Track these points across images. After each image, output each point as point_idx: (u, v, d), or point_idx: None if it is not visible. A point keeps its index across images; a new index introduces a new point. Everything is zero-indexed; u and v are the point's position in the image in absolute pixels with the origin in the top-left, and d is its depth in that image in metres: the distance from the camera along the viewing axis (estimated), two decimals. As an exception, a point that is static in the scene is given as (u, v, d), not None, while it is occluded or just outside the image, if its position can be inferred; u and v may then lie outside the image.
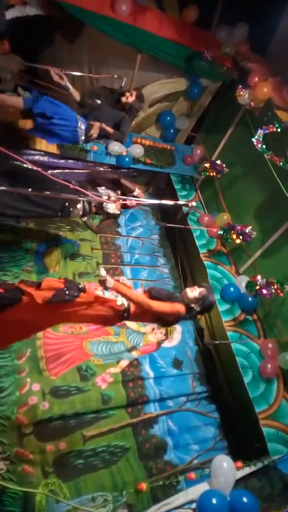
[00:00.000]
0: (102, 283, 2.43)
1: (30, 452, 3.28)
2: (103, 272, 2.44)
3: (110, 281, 2.43)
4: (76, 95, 3.94)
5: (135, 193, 4.06)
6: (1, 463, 3.13)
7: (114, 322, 2.67)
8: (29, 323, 2.54)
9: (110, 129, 3.92)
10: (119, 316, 2.56)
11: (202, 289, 2.67)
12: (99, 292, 2.61)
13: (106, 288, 2.42)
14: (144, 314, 2.59)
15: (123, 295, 2.49)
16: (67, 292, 2.38)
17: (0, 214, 3.44)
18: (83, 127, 3.78)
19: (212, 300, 2.72)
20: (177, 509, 2.94)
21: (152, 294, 2.59)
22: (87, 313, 2.50)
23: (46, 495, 3.03)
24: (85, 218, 4.09)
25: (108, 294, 2.59)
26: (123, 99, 4.13)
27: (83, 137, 3.80)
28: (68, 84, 3.83)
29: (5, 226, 4.43)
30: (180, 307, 2.58)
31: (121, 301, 2.55)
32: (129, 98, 4.06)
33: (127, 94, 4.11)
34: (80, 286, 2.51)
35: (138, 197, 3.99)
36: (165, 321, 2.66)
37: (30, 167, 3.31)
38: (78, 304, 2.44)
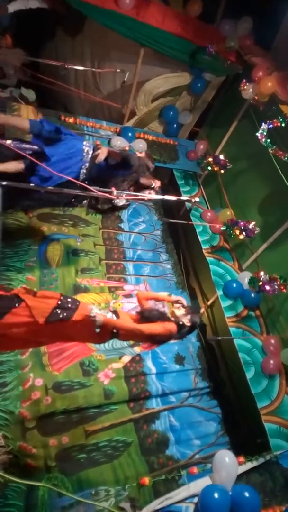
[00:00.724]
0: (93, 321, 2.50)
1: (33, 446, 3.30)
2: (92, 312, 2.51)
3: (100, 318, 2.51)
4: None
5: (154, 185, 3.92)
6: (4, 457, 3.15)
7: (104, 339, 2.70)
8: (28, 337, 2.58)
9: (117, 150, 3.74)
10: (109, 333, 2.61)
11: (187, 308, 2.91)
12: (91, 307, 2.69)
13: (97, 326, 2.51)
14: (136, 337, 2.70)
15: (115, 327, 2.59)
16: (61, 311, 2.48)
17: None
18: (89, 145, 3.64)
19: (197, 319, 2.89)
20: (179, 503, 2.95)
21: (144, 315, 2.72)
22: (79, 330, 2.57)
23: (49, 489, 3.05)
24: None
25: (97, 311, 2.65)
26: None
27: (90, 153, 3.52)
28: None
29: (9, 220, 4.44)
30: (171, 326, 2.71)
31: (111, 315, 2.64)
32: (138, 154, 3.86)
33: (136, 152, 3.98)
34: (75, 302, 2.58)
35: (153, 191, 3.87)
36: (156, 340, 2.76)
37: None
38: (73, 322, 2.52)
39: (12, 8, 4.35)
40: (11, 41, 4.75)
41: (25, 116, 4.58)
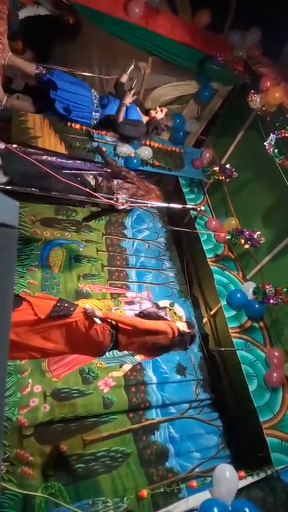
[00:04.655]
0: (92, 314, 2.56)
1: (30, 454, 3.25)
2: (88, 306, 2.64)
3: (98, 311, 2.59)
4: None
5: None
6: (1, 464, 3.10)
7: (105, 343, 2.67)
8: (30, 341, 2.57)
9: (121, 115, 3.80)
10: (108, 334, 2.62)
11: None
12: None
13: (95, 317, 2.57)
14: (135, 335, 2.65)
15: (114, 320, 2.66)
16: (62, 307, 2.57)
17: None
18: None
19: (194, 331, 3.00)
20: (177, 517, 2.89)
21: (143, 313, 2.85)
22: (83, 334, 2.57)
23: (46, 498, 3.00)
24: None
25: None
26: (152, 113, 3.94)
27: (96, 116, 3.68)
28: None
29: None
30: (174, 325, 2.76)
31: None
32: (158, 113, 3.84)
33: (158, 109, 3.96)
34: (73, 303, 2.70)
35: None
36: (158, 346, 2.73)
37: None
38: (73, 321, 2.56)
39: (22, 14, 4.40)
40: (21, 46, 4.79)
41: (31, 123, 4.58)
